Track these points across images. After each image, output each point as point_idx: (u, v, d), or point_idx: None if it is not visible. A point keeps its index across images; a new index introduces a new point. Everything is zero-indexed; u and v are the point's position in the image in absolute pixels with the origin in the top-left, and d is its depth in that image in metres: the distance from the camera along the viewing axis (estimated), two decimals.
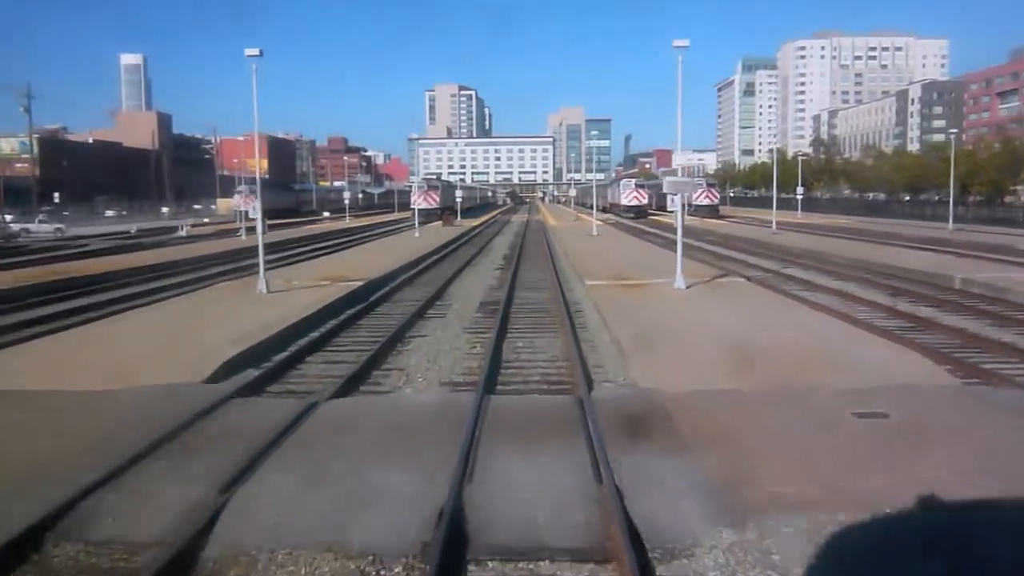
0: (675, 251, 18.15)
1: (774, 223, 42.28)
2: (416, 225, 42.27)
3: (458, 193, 64.28)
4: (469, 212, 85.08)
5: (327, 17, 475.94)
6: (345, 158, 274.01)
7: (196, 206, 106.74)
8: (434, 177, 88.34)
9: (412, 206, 67.88)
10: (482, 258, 30.64)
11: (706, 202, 72.07)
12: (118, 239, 44.97)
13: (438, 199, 65.44)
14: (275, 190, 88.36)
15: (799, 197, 66.42)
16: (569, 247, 33.00)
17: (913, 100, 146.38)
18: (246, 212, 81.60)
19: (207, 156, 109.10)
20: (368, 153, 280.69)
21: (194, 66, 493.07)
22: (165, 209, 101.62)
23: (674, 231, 18.36)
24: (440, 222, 57.02)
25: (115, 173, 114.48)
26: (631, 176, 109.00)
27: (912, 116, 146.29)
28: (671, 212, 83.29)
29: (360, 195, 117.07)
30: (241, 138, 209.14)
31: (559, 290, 18.89)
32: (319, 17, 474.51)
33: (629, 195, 71.03)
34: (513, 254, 31.52)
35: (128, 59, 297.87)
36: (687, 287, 17.94)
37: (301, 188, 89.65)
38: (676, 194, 17.97)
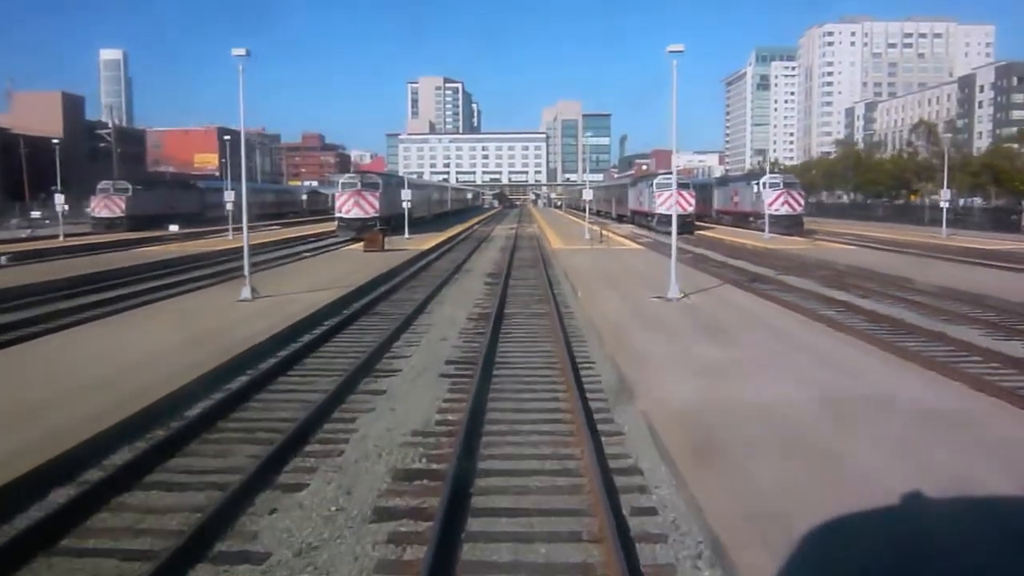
0: None
1: None
2: (247, 274, 17.44)
3: (404, 195, 39.81)
4: (436, 221, 60.88)
5: (308, 11, 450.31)
6: (320, 156, 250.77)
7: (88, 207, 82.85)
8: (374, 172, 63.70)
9: (337, 214, 43.78)
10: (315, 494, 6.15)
11: (785, 210, 47.63)
12: None
13: (378, 204, 41.11)
14: (171, 189, 64.28)
15: (944, 206, 42.29)
16: (689, 440, 8.63)
17: (983, 87, 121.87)
18: (114, 219, 57.81)
19: (102, 144, 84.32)
20: (348, 152, 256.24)
21: (173, 63, 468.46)
22: (37, 213, 77.48)
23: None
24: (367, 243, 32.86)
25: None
26: (662, 174, 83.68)
27: (981, 106, 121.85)
28: (719, 223, 57.27)
29: (305, 197, 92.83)
30: (196, 129, 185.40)
31: None
32: (300, 11, 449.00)
33: (667, 200, 46.40)
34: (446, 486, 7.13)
35: (108, 55, 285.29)
36: None
37: (208, 187, 64.95)
38: None
